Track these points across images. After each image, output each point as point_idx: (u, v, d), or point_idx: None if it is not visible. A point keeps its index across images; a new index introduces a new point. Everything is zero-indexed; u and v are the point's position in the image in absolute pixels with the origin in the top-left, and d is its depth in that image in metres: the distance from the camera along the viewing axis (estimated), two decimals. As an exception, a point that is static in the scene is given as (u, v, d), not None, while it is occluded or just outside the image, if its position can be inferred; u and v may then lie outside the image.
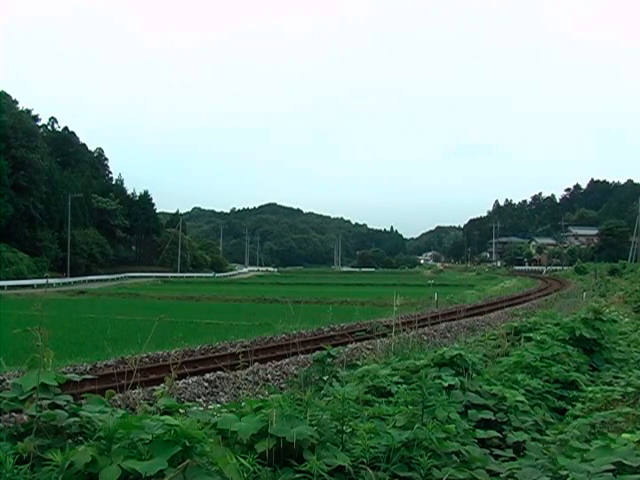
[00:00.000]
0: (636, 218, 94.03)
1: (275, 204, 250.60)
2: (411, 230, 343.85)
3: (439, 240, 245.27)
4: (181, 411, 4.11)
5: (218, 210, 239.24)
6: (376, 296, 41.56)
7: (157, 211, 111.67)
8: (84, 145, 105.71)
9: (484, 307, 28.83)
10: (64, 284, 62.09)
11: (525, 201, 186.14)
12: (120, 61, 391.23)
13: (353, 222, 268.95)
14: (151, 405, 4.77)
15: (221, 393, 11.20)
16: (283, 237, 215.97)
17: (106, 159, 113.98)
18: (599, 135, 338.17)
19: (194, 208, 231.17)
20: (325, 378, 6.99)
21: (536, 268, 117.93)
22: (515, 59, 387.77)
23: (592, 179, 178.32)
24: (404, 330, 12.02)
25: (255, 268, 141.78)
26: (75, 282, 67.26)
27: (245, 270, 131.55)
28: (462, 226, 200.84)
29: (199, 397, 10.73)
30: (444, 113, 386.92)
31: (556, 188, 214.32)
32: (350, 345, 14.73)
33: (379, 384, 5.94)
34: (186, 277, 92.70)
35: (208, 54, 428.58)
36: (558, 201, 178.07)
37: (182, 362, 8.92)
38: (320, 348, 8.01)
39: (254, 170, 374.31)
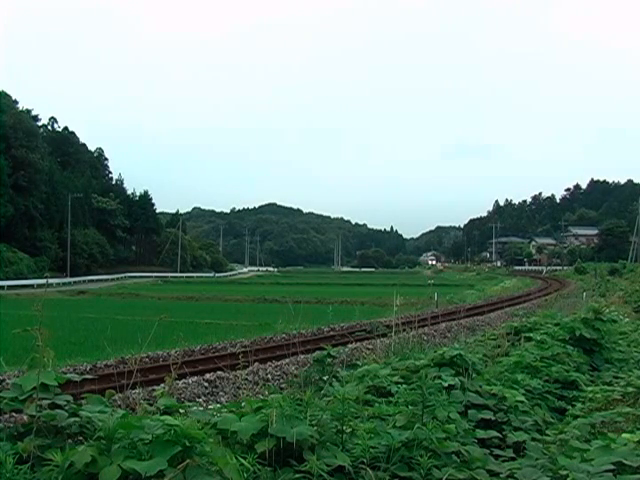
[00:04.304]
0: (636, 218, 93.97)
1: (275, 204, 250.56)
2: (411, 230, 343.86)
3: (439, 240, 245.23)
4: (181, 411, 4.11)
5: (218, 210, 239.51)
6: (376, 296, 41.55)
7: (157, 211, 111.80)
8: (84, 145, 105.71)
9: (484, 307, 28.83)
10: (64, 284, 62.09)
11: (525, 201, 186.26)
12: (120, 61, 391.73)
13: (353, 222, 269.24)
14: (151, 405, 4.76)
15: (221, 393, 11.20)
16: (283, 237, 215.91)
17: (106, 159, 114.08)
18: (599, 135, 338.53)
19: (194, 208, 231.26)
20: (325, 378, 6.98)
21: (536, 268, 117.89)
22: (515, 59, 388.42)
23: (592, 179, 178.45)
24: (404, 330, 12.01)
25: (255, 268, 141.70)
26: (75, 282, 67.26)
27: (245, 270, 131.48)
28: (462, 226, 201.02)
29: (199, 397, 10.72)
30: (444, 113, 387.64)
31: (556, 188, 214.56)
32: (350, 345, 14.72)
33: (379, 384, 5.94)
34: (186, 277, 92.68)
35: (208, 54, 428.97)
36: (558, 201, 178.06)
37: (182, 362, 8.92)
38: (320, 348, 8.01)
39: (254, 170, 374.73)
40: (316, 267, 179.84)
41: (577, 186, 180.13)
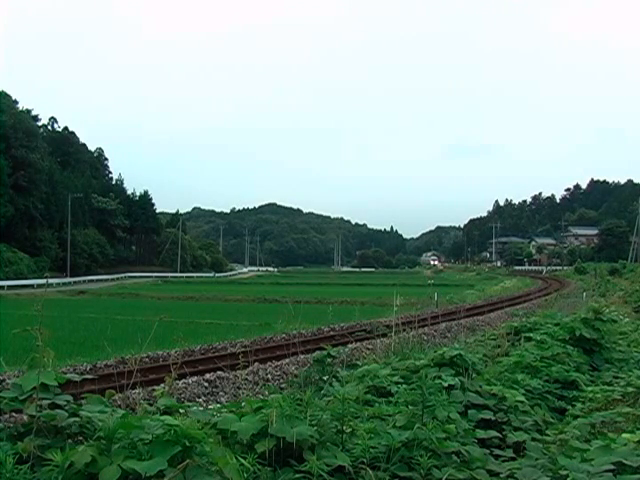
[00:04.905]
0: (636, 218, 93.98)
1: (275, 204, 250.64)
2: (411, 230, 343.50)
3: (439, 240, 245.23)
4: (181, 411, 4.11)
5: (218, 210, 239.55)
6: (376, 296, 41.54)
7: (157, 211, 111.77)
8: (84, 145, 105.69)
9: (484, 307, 28.82)
10: (64, 284, 62.07)
11: (525, 201, 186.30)
12: (120, 61, 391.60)
13: (353, 222, 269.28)
14: (151, 405, 4.77)
15: (221, 393, 11.20)
16: (283, 237, 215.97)
17: (106, 159, 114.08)
18: (599, 135, 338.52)
19: (194, 208, 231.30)
20: (325, 378, 6.98)
21: (536, 268, 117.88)
22: (515, 59, 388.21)
23: (592, 179, 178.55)
24: (404, 330, 12.01)
25: (255, 268, 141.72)
26: (75, 282, 67.23)
27: (245, 270, 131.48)
28: (462, 226, 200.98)
29: (199, 397, 10.73)
30: (444, 113, 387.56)
31: (556, 188, 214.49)
32: (350, 345, 14.71)
33: (379, 384, 5.94)
34: (186, 277, 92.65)
35: (208, 54, 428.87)
36: (558, 201, 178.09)
37: (182, 362, 8.92)
38: (320, 348, 8.01)
39: (254, 170, 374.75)
40: (316, 267, 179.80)
41: (577, 186, 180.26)
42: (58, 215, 79.09)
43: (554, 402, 6.82)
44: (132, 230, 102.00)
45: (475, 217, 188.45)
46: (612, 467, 3.67)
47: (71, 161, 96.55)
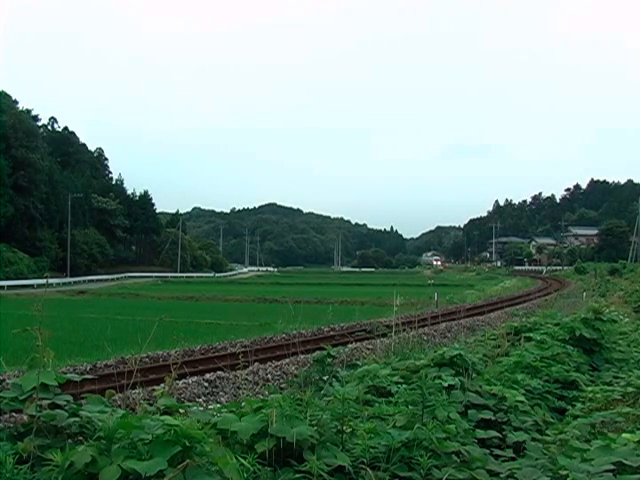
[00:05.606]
0: (636, 218, 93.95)
1: (275, 204, 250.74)
2: (411, 230, 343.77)
3: (439, 240, 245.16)
4: (181, 411, 4.11)
5: (218, 210, 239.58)
6: (376, 296, 41.54)
7: (157, 211, 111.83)
8: (84, 145, 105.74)
9: (484, 307, 28.83)
10: (64, 284, 62.07)
11: (525, 201, 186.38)
12: (120, 61, 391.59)
13: (353, 222, 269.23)
14: (151, 405, 4.76)
15: (221, 393, 11.21)
16: (283, 237, 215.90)
17: (106, 159, 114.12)
18: (599, 135, 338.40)
19: (194, 208, 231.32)
20: (325, 378, 6.98)
21: (536, 268, 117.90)
22: (515, 59, 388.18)
23: (592, 179, 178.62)
24: (404, 330, 12.01)
25: (255, 268, 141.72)
26: (75, 282, 67.24)
27: (245, 270, 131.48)
28: (462, 226, 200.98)
29: (199, 397, 10.73)
30: (444, 113, 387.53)
31: (556, 188, 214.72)
32: (350, 345, 14.72)
33: (379, 384, 5.94)
34: (186, 277, 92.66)
35: (208, 54, 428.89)
36: (558, 201, 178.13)
37: (182, 362, 8.91)
38: (320, 348, 8.01)
39: (254, 170, 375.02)
40: (316, 267, 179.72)
41: (577, 186, 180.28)
42: (58, 215, 79.08)
43: (554, 402, 6.82)
44: (132, 230, 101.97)
45: (475, 217, 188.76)
46: (612, 467, 3.67)
47: (71, 161, 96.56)
